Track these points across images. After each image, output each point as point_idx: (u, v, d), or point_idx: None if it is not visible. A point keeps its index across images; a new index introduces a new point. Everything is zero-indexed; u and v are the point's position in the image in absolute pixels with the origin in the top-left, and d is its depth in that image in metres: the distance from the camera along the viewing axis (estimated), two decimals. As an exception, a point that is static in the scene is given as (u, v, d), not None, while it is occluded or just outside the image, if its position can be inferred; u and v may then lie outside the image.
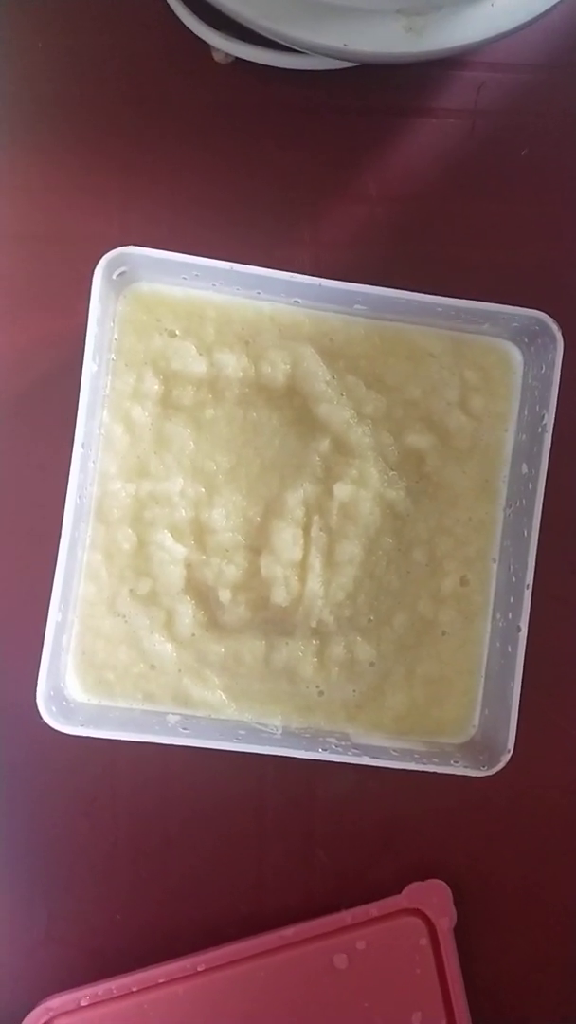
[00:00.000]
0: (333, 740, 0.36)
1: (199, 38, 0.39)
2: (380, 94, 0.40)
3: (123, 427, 0.37)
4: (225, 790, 0.39)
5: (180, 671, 0.37)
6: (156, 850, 0.39)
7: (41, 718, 0.34)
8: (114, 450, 0.36)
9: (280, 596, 0.36)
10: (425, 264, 0.40)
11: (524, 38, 0.38)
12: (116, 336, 0.36)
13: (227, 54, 0.39)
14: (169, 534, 0.36)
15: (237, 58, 0.39)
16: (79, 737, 0.34)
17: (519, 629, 0.35)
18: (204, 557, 0.36)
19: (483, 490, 0.38)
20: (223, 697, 0.37)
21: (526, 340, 0.37)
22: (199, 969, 0.37)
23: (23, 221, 0.39)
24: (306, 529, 0.37)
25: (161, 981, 0.37)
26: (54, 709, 0.34)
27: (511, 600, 0.36)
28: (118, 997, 0.37)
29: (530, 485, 0.36)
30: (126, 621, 0.37)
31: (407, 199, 0.40)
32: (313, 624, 0.36)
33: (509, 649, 0.36)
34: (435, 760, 0.35)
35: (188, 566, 0.37)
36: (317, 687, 0.37)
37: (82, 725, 0.34)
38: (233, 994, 0.37)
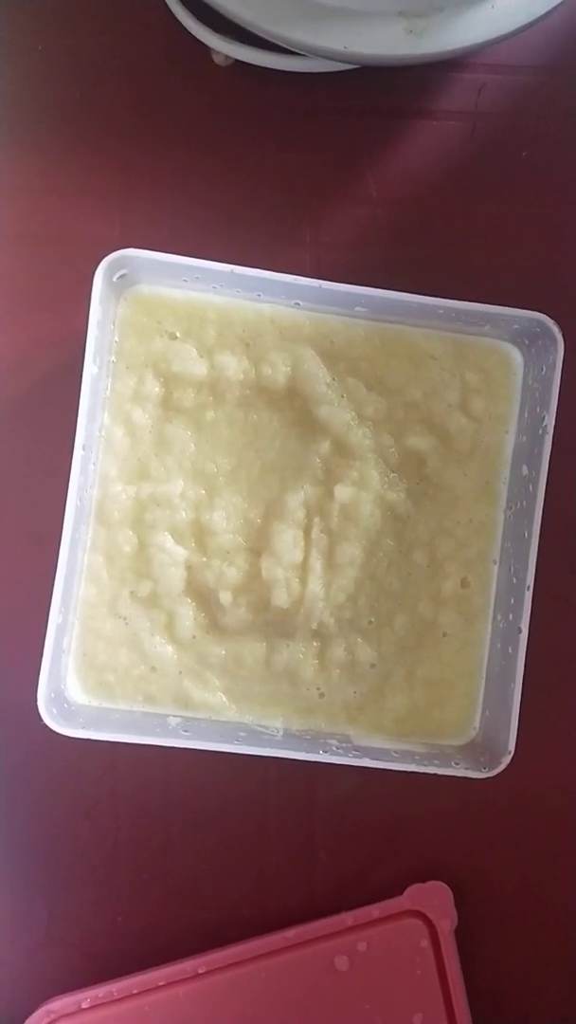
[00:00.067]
0: (334, 742, 0.36)
1: (199, 40, 0.39)
2: (380, 96, 0.40)
3: (124, 429, 0.37)
4: (226, 792, 0.39)
5: (181, 673, 0.37)
6: (157, 852, 0.39)
7: (42, 720, 0.34)
8: (115, 452, 0.36)
9: (281, 598, 0.36)
10: (426, 266, 0.40)
11: (524, 40, 0.38)
12: (117, 338, 0.36)
13: (227, 56, 0.39)
14: (170, 536, 0.36)
15: (237, 60, 0.39)
16: (80, 739, 0.34)
17: (520, 631, 0.35)
18: (205, 559, 0.36)
19: (484, 492, 0.38)
20: (224, 699, 0.37)
21: (527, 342, 0.37)
22: (200, 971, 0.37)
23: (24, 222, 0.39)
24: (307, 531, 0.37)
25: (162, 983, 0.37)
26: (55, 711, 0.34)
27: (512, 601, 0.36)
28: (119, 999, 0.37)
29: (530, 487, 0.36)
30: (127, 623, 0.37)
31: (408, 201, 0.40)
32: (314, 626, 0.36)
33: (510, 650, 0.36)
34: (436, 762, 0.35)
35: (189, 568, 0.37)
36: (318, 689, 0.37)
37: (83, 727, 0.34)
38: (234, 996, 0.37)
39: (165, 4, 0.39)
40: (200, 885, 0.39)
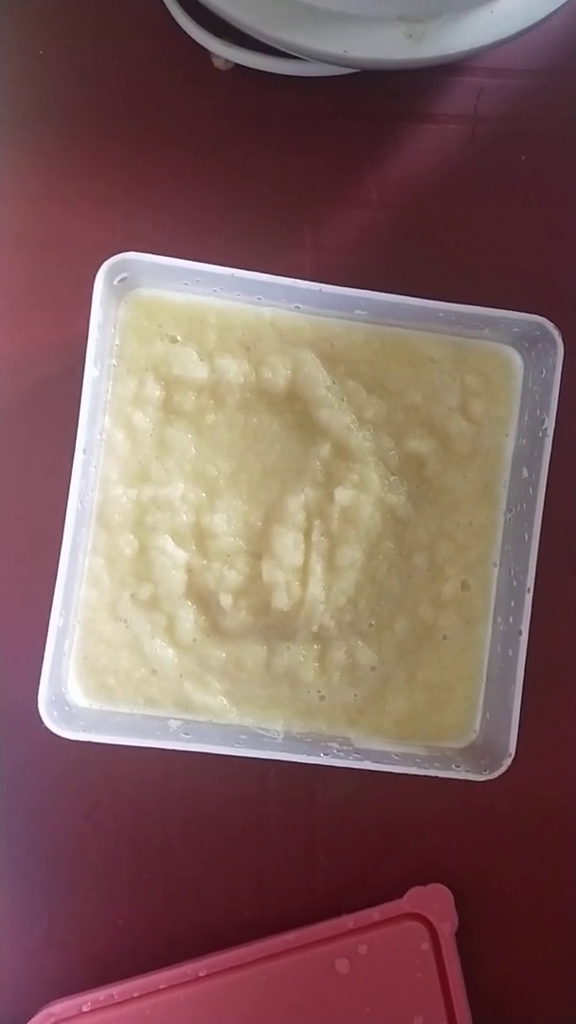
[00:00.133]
0: (334, 745, 0.36)
1: (199, 45, 0.39)
2: (380, 100, 0.40)
3: (124, 432, 0.37)
4: (226, 795, 0.39)
5: (181, 676, 0.37)
6: (157, 855, 0.39)
7: (43, 723, 0.34)
8: (115, 455, 0.36)
9: (281, 601, 0.36)
10: (426, 269, 0.40)
11: (524, 44, 0.38)
12: (117, 342, 0.37)
13: (227, 60, 0.39)
14: (170, 539, 0.36)
15: (237, 64, 0.39)
16: (80, 742, 0.34)
17: (520, 633, 0.35)
18: (205, 562, 0.36)
19: (484, 494, 0.38)
20: (224, 702, 0.37)
21: (527, 345, 0.37)
22: (201, 974, 0.37)
23: (25, 226, 0.39)
24: (307, 534, 0.37)
25: (163, 986, 0.37)
26: (56, 714, 0.34)
27: (512, 604, 0.36)
28: (119, 1003, 0.36)
29: (530, 489, 0.36)
30: (127, 626, 0.37)
31: (408, 204, 0.40)
32: (314, 629, 0.37)
33: (510, 653, 0.36)
34: (437, 764, 0.35)
35: (189, 571, 0.37)
36: (318, 692, 0.37)
37: (83, 730, 0.34)
38: (235, 999, 0.37)
39: (165, 8, 0.39)
40: (201, 887, 0.39)
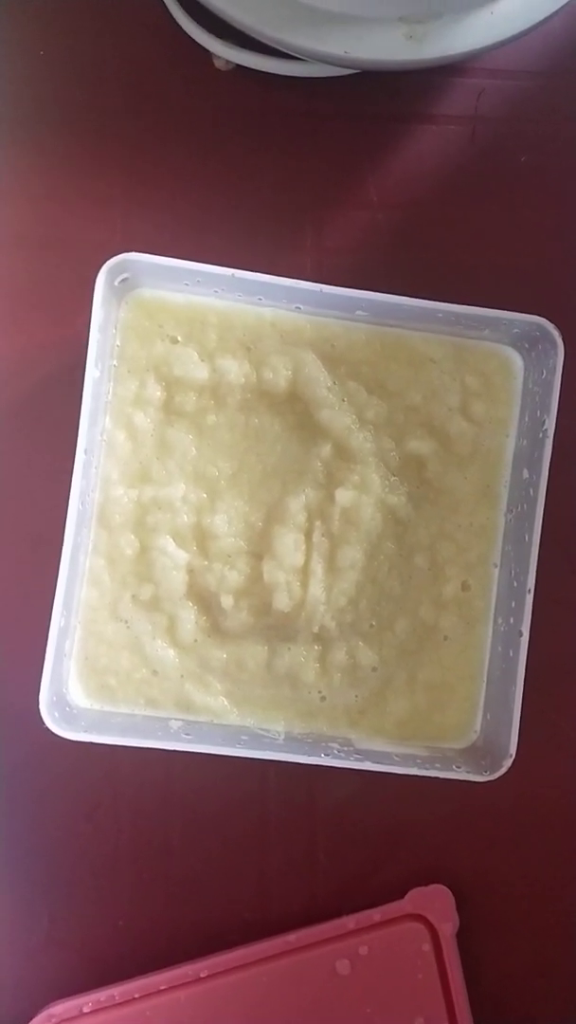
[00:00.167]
0: (335, 745, 0.36)
1: (200, 45, 0.39)
2: (381, 101, 0.40)
3: (125, 433, 0.37)
4: (227, 795, 0.39)
5: (182, 677, 0.37)
6: (158, 855, 0.39)
7: (43, 723, 0.33)
8: (116, 456, 0.36)
9: (282, 601, 0.36)
10: (426, 270, 0.40)
11: (524, 45, 0.38)
12: (118, 342, 0.37)
13: (228, 61, 0.39)
14: (171, 539, 0.36)
15: (238, 65, 0.39)
16: (81, 742, 0.34)
17: (521, 634, 0.35)
18: (206, 563, 0.36)
19: (484, 495, 0.38)
20: (225, 703, 0.37)
21: (527, 346, 0.37)
22: (201, 975, 0.37)
23: (25, 227, 0.39)
24: (308, 534, 0.37)
25: (163, 987, 0.37)
26: (56, 715, 0.34)
27: (512, 605, 0.36)
28: (120, 1003, 0.36)
29: (531, 490, 0.36)
30: (128, 627, 0.37)
31: (408, 205, 0.40)
32: (315, 629, 0.37)
33: (511, 654, 0.36)
34: (437, 765, 0.35)
35: (190, 572, 0.37)
36: (319, 692, 0.37)
37: (84, 731, 0.34)
38: (235, 1000, 0.37)
39: (166, 9, 0.39)
40: (201, 888, 0.39)
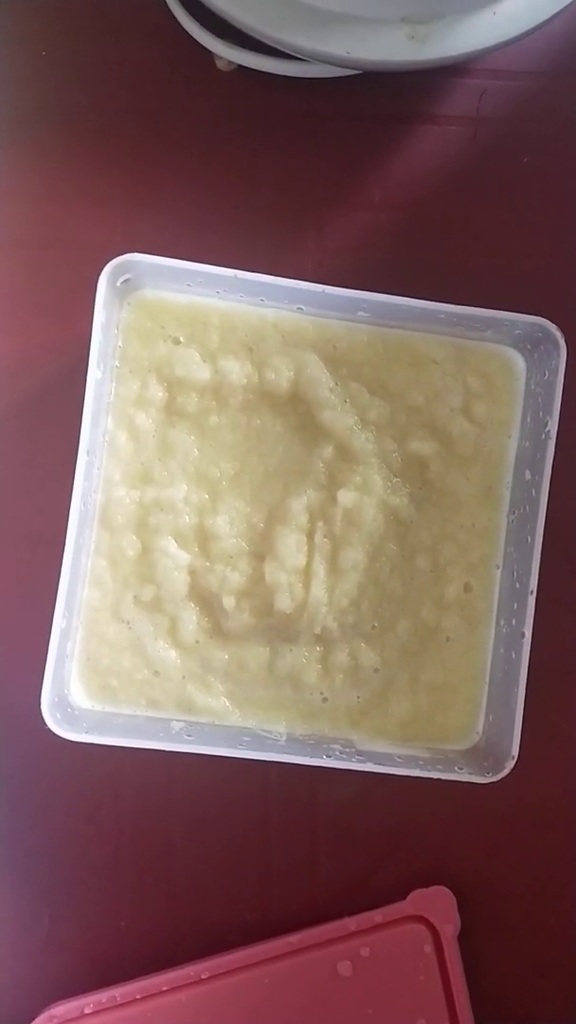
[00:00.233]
0: (337, 747, 0.36)
1: (202, 46, 0.39)
2: (383, 101, 0.40)
3: (127, 434, 0.37)
4: (229, 797, 0.39)
5: (184, 678, 0.37)
6: (159, 857, 0.39)
7: (45, 724, 0.33)
8: (118, 457, 0.36)
9: (284, 602, 0.36)
10: (428, 270, 0.40)
11: (526, 46, 0.38)
12: (120, 343, 0.37)
13: (230, 62, 0.39)
14: (173, 540, 0.36)
15: (240, 66, 0.39)
16: (83, 743, 0.34)
17: (523, 635, 0.35)
18: (208, 564, 0.36)
19: (486, 496, 0.38)
20: (227, 704, 0.37)
21: (529, 347, 0.37)
22: (203, 976, 0.37)
23: (27, 228, 0.39)
24: (310, 535, 0.37)
25: (165, 988, 0.37)
26: (58, 716, 0.34)
27: (515, 606, 0.36)
28: (121, 1004, 0.36)
29: (533, 492, 0.36)
30: (130, 627, 0.37)
31: (410, 206, 0.40)
32: (317, 630, 0.36)
33: (513, 655, 0.36)
34: (439, 767, 0.35)
35: (192, 572, 0.37)
36: (321, 693, 0.37)
37: (86, 732, 0.34)
38: (237, 1001, 0.37)
39: (169, 9, 0.39)
40: (203, 889, 0.39)
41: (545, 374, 0.36)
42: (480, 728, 0.37)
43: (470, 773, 0.35)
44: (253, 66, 0.39)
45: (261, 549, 0.37)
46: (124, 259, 0.34)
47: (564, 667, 0.40)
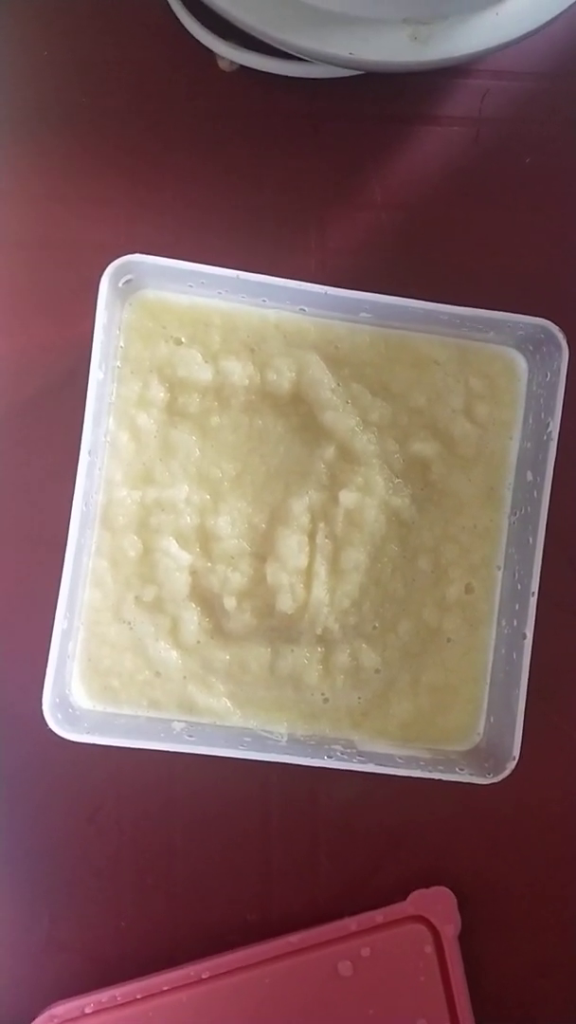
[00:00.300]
0: (338, 747, 0.36)
1: (204, 46, 0.39)
2: (385, 102, 0.40)
3: (129, 434, 0.37)
4: (230, 797, 0.39)
5: (185, 678, 0.37)
6: (160, 857, 0.39)
7: (47, 725, 0.33)
8: (120, 457, 0.36)
9: (285, 603, 0.36)
10: (430, 271, 0.40)
11: (528, 46, 0.38)
12: (122, 343, 0.37)
13: (232, 62, 0.39)
14: (174, 541, 0.36)
15: (242, 66, 0.39)
16: (84, 744, 0.34)
17: (524, 636, 0.35)
18: (209, 564, 0.36)
19: (488, 498, 0.38)
20: (228, 704, 0.37)
21: (531, 348, 0.37)
22: (203, 976, 0.37)
23: (29, 229, 0.39)
24: (311, 536, 0.37)
25: (165, 988, 0.37)
26: (60, 716, 0.34)
27: (516, 607, 0.36)
28: (122, 1004, 0.36)
29: (535, 493, 0.36)
30: (131, 628, 0.37)
31: (412, 206, 0.40)
32: (318, 631, 0.37)
33: (514, 656, 0.36)
34: (440, 767, 0.35)
35: (193, 573, 0.37)
36: (322, 694, 0.37)
37: (87, 732, 0.34)
38: (237, 1001, 0.37)
39: (170, 9, 0.39)
40: (203, 890, 0.39)
41: (547, 375, 0.36)
42: (481, 729, 0.37)
43: (471, 774, 0.35)
44: (255, 66, 0.39)
45: (262, 550, 0.37)
46: (126, 260, 0.34)
47: (565, 668, 0.40)
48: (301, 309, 0.37)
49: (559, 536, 0.36)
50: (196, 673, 0.37)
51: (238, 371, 0.36)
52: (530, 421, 0.37)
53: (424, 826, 0.40)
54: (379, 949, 0.37)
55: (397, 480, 0.37)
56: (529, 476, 0.37)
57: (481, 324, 0.36)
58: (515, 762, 0.35)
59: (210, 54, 0.39)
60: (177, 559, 0.36)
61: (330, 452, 0.37)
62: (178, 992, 0.37)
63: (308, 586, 0.36)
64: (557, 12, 0.36)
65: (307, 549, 0.36)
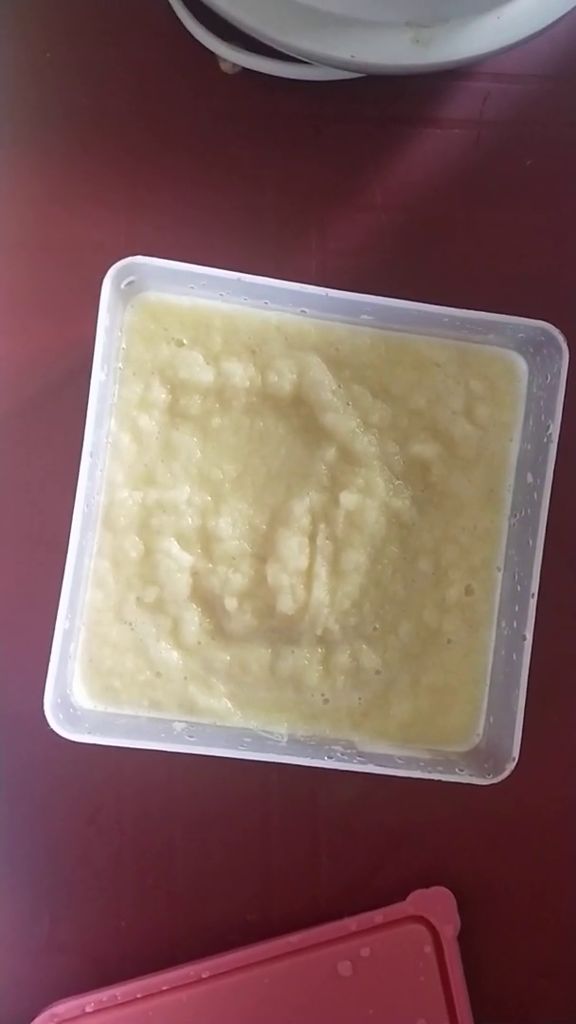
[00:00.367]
0: (338, 748, 0.36)
1: (206, 48, 0.39)
2: (386, 104, 0.40)
3: (130, 436, 0.37)
4: (230, 797, 0.39)
5: (186, 679, 0.37)
6: (160, 857, 0.39)
7: (48, 725, 0.34)
8: (121, 459, 0.37)
9: (286, 604, 0.36)
10: (431, 273, 0.40)
11: (529, 49, 0.38)
12: (124, 345, 0.37)
13: (234, 64, 0.39)
14: (176, 542, 0.37)
15: (244, 68, 0.39)
16: (85, 744, 0.34)
17: (524, 638, 0.35)
18: (210, 565, 0.37)
19: (488, 499, 0.38)
20: (229, 705, 0.37)
21: (531, 350, 0.37)
22: (203, 976, 0.37)
23: (31, 231, 0.39)
24: (312, 538, 0.37)
25: (165, 988, 0.37)
26: (61, 716, 0.34)
27: (516, 609, 0.36)
28: (122, 1004, 0.37)
29: (535, 495, 0.36)
30: (133, 629, 0.37)
31: (413, 209, 0.40)
32: (319, 632, 0.37)
33: (514, 658, 0.36)
34: (440, 768, 0.36)
35: (194, 574, 0.37)
36: (322, 695, 0.37)
37: (88, 732, 0.34)
38: (237, 1001, 0.37)
39: (172, 11, 0.39)
40: (204, 890, 0.39)
41: (547, 377, 0.37)
42: (481, 730, 0.37)
43: (471, 775, 0.35)
44: (256, 68, 0.39)
45: (263, 551, 0.37)
46: (128, 262, 0.34)
47: (565, 670, 0.40)
48: (302, 311, 0.37)
49: (559, 538, 0.36)
50: (197, 674, 0.37)
51: (239, 373, 0.37)
52: (530, 423, 0.37)
53: (424, 826, 0.40)
54: (379, 949, 0.37)
55: (397, 482, 0.37)
56: (529, 478, 0.37)
57: (481, 326, 0.36)
58: (515, 763, 0.35)
59: (212, 56, 0.39)
60: (178, 560, 0.36)
61: (331, 454, 0.37)
62: (178, 992, 0.37)
63: (309, 587, 0.36)
64: (558, 15, 0.36)
65: (308, 550, 0.37)
